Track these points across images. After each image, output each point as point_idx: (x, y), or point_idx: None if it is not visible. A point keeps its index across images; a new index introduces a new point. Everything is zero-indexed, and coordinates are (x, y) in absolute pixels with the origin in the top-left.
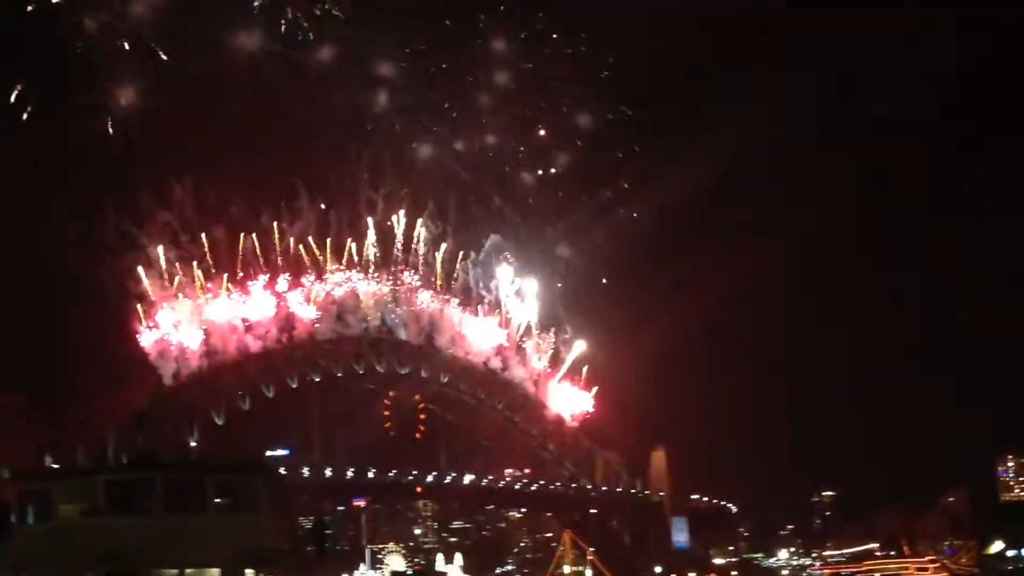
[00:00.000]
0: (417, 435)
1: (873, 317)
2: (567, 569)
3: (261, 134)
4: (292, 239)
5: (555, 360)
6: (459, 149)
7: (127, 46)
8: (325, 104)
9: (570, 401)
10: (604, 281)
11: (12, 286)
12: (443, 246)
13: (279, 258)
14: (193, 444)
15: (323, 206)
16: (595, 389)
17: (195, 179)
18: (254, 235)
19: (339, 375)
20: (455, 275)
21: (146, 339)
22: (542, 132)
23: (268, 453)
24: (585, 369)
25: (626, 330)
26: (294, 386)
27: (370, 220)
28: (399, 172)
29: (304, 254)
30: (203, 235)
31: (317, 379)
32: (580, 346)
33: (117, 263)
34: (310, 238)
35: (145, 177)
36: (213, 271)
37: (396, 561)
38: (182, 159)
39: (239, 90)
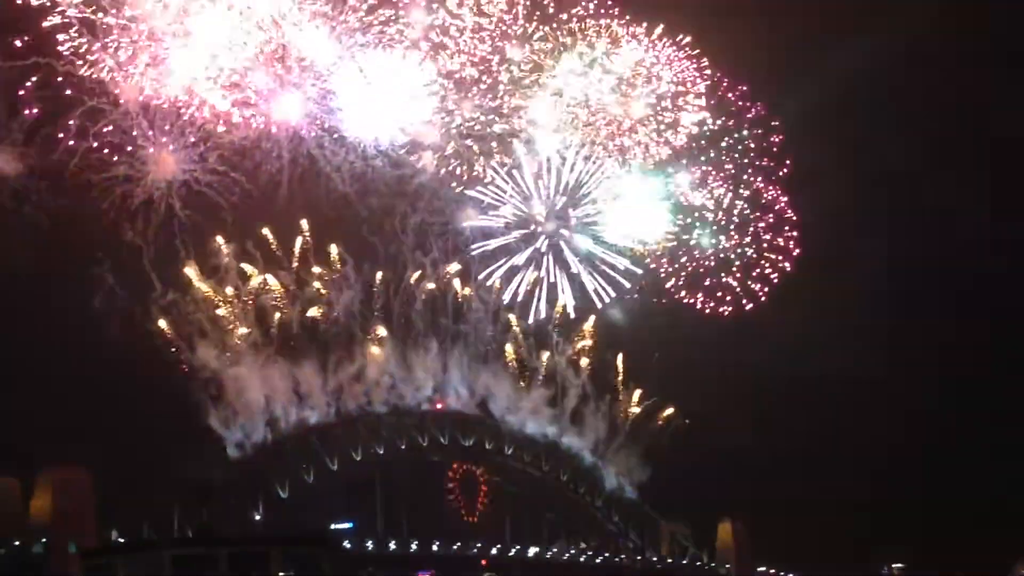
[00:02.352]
0: (481, 507)
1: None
2: None
3: (304, 201)
4: (339, 307)
5: (612, 428)
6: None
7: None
8: (368, 170)
9: (631, 469)
10: (656, 355)
11: (75, 358)
12: (487, 314)
13: (329, 329)
14: (257, 517)
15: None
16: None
17: (239, 247)
18: (298, 304)
19: (402, 447)
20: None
21: (210, 409)
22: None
23: (332, 526)
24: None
25: (690, 397)
26: (358, 458)
27: (418, 286)
28: (445, 238)
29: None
30: (248, 304)
31: (381, 451)
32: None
33: (171, 332)
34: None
35: (188, 245)
36: (259, 342)
37: None
38: (224, 227)
39: (281, 158)
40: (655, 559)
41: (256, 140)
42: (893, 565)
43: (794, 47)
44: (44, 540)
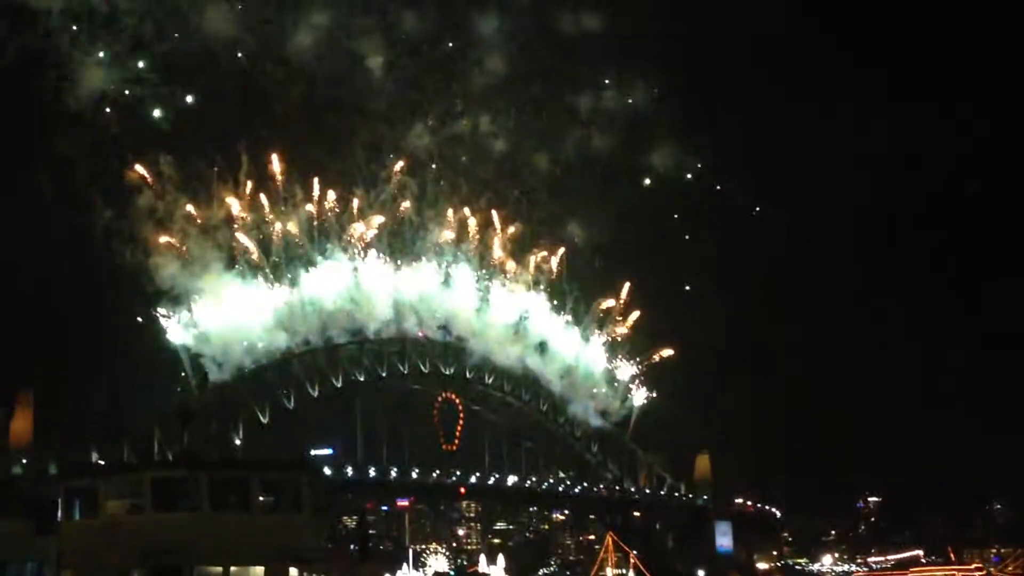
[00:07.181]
0: (460, 436)
1: (927, 320)
2: (610, 572)
3: (245, 116)
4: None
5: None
6: (456, 133)
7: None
8: (312, 86)
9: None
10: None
11: (59, 286)
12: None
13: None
14: (238, 442)
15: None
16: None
17: (182, 168)
18: (247, 220)
19: (383, 375)
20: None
21: (185, 334)
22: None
23: (312, 452)
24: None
25: (668, 330)
26: (339, 385)
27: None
28: (400, 155)
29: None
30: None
31: (361, 378)
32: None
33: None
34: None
35: (126, 159)
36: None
37: (439, 561)
38: (162, 142)
39: (220, 76)
40: (633, 490)
41: (191, 52)
42: (869, 498)
43: None
44: (24, 461)
